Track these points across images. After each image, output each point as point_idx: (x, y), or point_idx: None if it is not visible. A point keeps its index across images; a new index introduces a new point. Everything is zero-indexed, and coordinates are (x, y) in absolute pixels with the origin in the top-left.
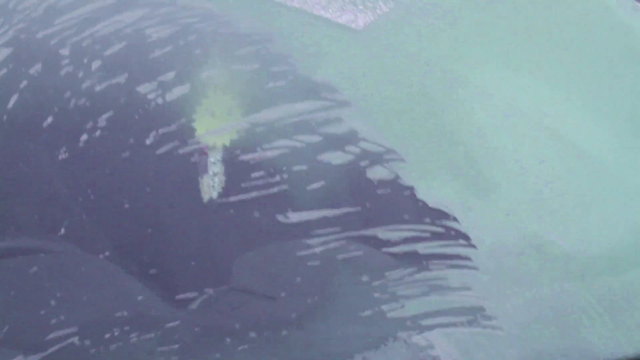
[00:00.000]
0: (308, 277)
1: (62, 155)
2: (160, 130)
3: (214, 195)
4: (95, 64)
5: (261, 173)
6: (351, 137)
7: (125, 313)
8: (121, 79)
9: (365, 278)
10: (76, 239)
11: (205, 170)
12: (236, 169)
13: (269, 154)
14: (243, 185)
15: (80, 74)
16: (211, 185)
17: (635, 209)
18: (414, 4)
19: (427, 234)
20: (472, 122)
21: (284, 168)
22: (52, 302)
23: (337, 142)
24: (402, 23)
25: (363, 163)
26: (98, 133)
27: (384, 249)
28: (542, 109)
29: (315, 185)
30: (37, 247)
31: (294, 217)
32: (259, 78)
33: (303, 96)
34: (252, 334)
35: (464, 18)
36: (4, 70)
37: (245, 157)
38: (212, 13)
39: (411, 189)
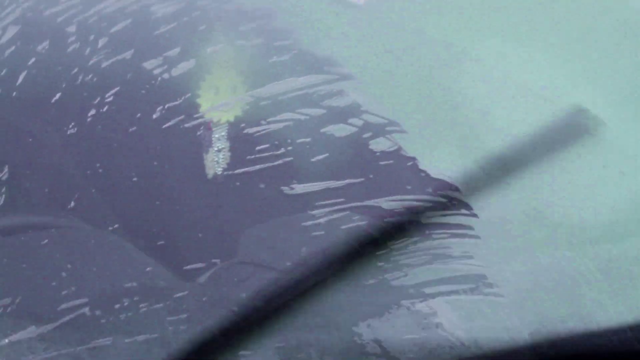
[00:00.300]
0: (313, 246)
1: (71, 130)
2: (167, 105)
3: (219, 170)
4: (102, 41)
5: (266, 145)
6: (354, 110)
7: (134, 284)
8: (127, 55)
9: (369, 247)
10: (86, 213)
11: (210, 146)
12: (241, 142)
13: (274, 127)
14: (248, 157)
15: (87, 51)
16: (216, 160)
17: (634, 178)
18: None
19: (430, 204)
20: (474, 94)
21: (289, 140)
22: (64, 274)
23: (340, 115)
24: None
25: (366, 135)
26: (105, 108)
27: (387, 219)
28: (542, 80)
29: (319, 157)
30: (48, 222)
31: (299, 188)
32: (263, 53)
33: (306, 70)
34: (259, 304)
35: None
36: (13, 48)
37: (250, 130)
38: None
39: (414, 159)
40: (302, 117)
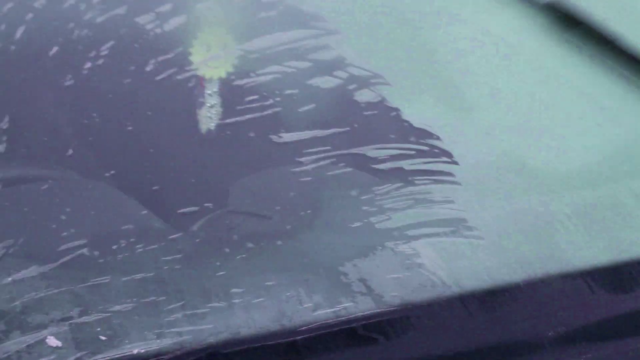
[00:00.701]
0: (301, 192)
1: (68, 82)
2: (159, 58)
3: (212, 125)
4: None
5: (255, 97)
6: (339, 63)
7: (130, 226)
8: (121, 10)
9: (354, 192)
10: (83, 160)
11: (203, 100)
12: (231, 93)
13: (262, 79)
14: (238, 108)
15: (83, 7)
16: (208, 115)
17: (609, 127)
18: None
19: (412, 152)
20: (453, 47)
21: (277, 92)
22: (63, 217)
23: (326, 68)
24: None
25: (351, 87)
26: (101, 61)
27: (372, 166)
28: (529, 42)
29: (306, 108)
30: (48, 171)
31: (287, 137)
32: (252, 8)
33: (293, 25)
34: (249, 245)
35: None
36: (11, 4)
37: (239, 82)
38: None
39: (397, 110)
40: (289, 70)
